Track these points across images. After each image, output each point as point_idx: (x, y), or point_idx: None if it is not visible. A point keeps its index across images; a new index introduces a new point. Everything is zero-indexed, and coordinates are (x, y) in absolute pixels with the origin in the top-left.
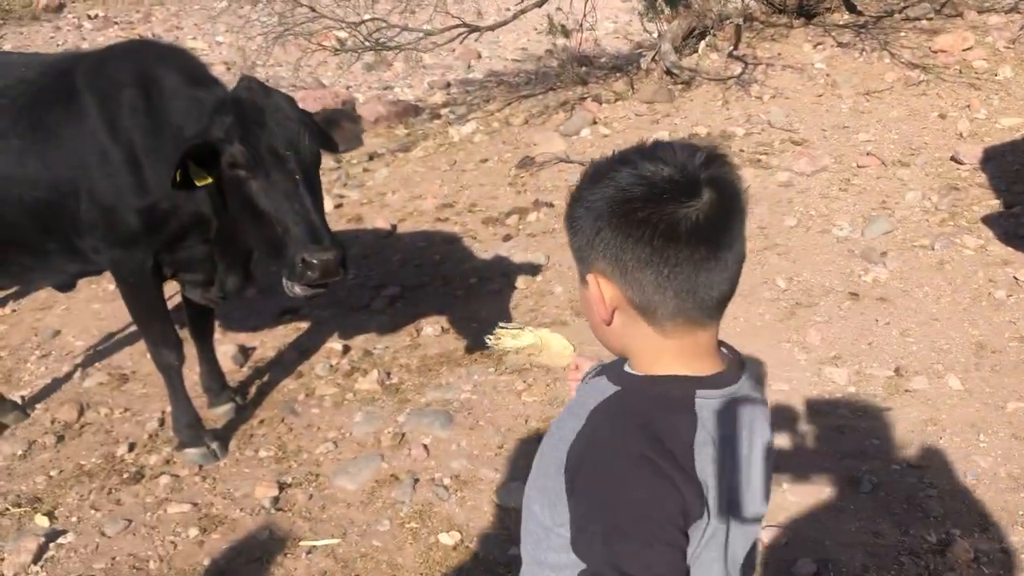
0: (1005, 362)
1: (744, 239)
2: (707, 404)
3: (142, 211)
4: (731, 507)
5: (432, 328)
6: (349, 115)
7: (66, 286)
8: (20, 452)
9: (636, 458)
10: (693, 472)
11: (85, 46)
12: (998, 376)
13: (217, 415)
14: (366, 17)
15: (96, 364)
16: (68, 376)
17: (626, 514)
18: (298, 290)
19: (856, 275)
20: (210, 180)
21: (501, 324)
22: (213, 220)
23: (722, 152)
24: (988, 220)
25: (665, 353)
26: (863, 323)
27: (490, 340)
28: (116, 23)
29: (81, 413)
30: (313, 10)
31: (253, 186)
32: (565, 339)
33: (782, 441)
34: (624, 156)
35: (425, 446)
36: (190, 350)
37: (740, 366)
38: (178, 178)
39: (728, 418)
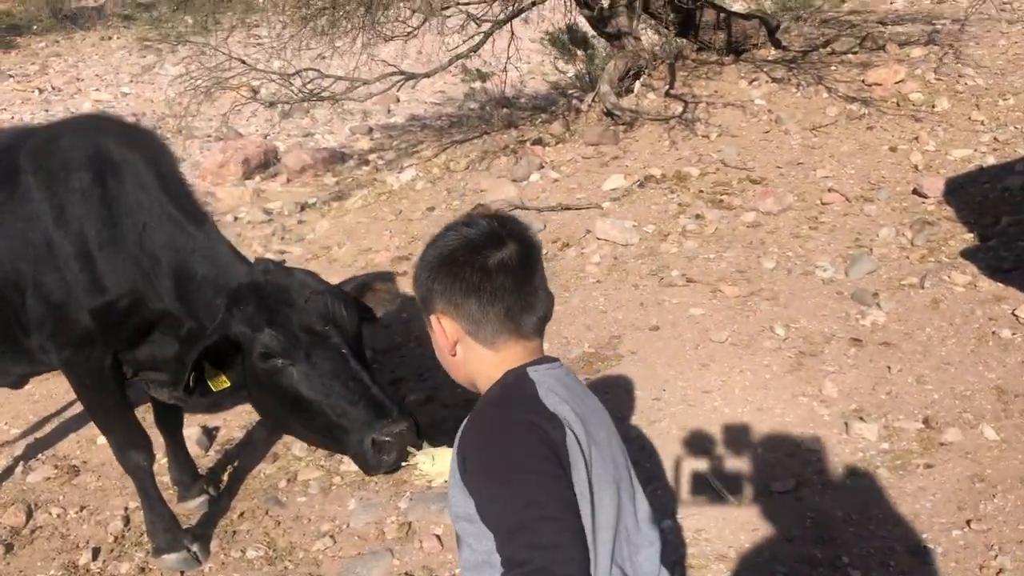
0: None
1: (543, 273)
2: (538, 372)
3: (97, 310)
4: (591, 438)
5: (416, 396)
6: (380, 276)
7: (15, 385)
8: None
9: (499, 419)
10: (547, 409)
11: None
12: None
13: (189, 509)
14: (295, 68)
15: (39, 455)
16: (8, 471)
17: (506, 461)
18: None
19: (853, 319)
20: (228, 384)
21: (410, 449)
22: (184, 319)
23: (512, 216)
24: (968, 254)
25: (499, 364)
26: (875, 371)
27: (405, 464)
28: (11, 76)
29: (29, 515)
30: (243, 62)
31: (294, 373)
32: None
33: (826, 507)
34: (448, 226)
35: (437, 536)
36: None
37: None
38: (191, 383)
39: (556, 374)
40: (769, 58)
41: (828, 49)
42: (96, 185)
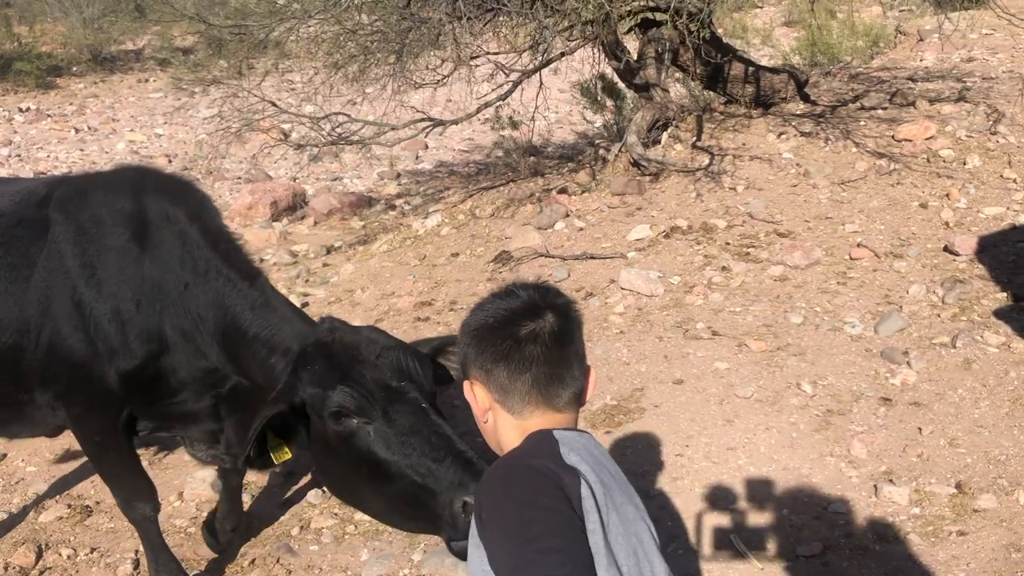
0: None
1: (582, 349)
2: (562, 434)
3: (129, 374)
4: (611, 500)
5: None
6: (452, 340)
7: (53, 435)
8: None
9: (514, 466)
10: (564, 461)
11: (16, 139)
12: None
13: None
14: (325, 112)
15: (53, 495)
16: (22, 511)
17: (516, 500)
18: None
19: (883, 377)
20: (290, 455)
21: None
22: (230, 376)
23: (556, 288)
24: (1001, 314)
25: (525, 434)
26: (906, 432)
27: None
28: (49, 116)
29: (40, 556)
30: (274, 104)
31: (371, 433)
32: None
33: (853, 574)
34: (492, 293)
35: None
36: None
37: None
38: (253, 454)
39: (582, 441)
40: (797, 112)
41: (857, 104)
42: (134, 243)
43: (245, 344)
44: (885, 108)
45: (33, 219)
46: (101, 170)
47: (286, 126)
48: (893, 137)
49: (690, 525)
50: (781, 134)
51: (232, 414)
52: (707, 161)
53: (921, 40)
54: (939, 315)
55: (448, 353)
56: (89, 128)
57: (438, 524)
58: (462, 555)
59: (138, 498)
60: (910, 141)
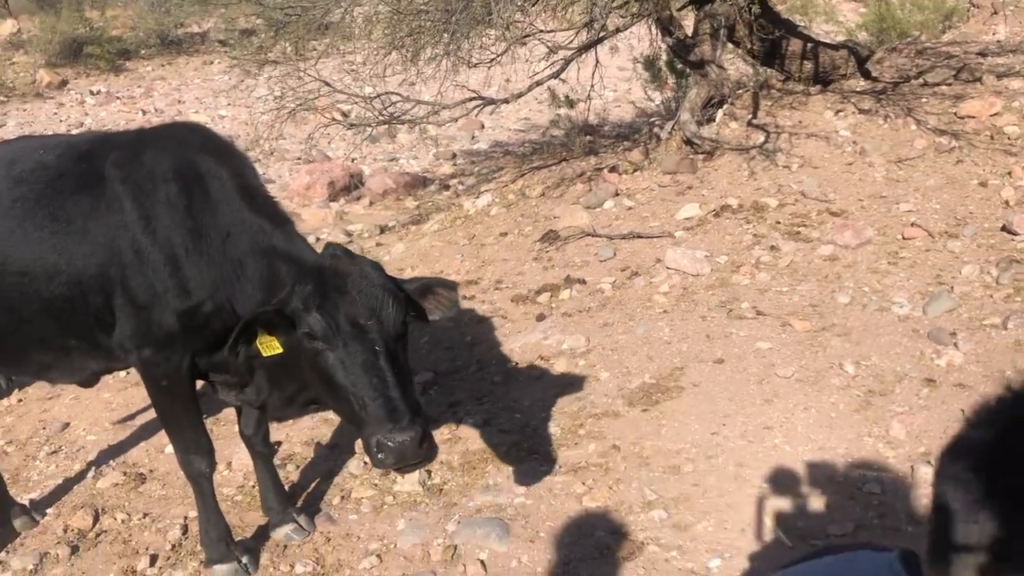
0: None
1: None
2: None
3: (183, 313)
4: None
5: (472, 419)
6: (445, 283)
7: (87, 383)
8: (31, 567)
9: None
10: None
11: (88, 121)
12: None
13: (278, 538)
14: (380, 92)
15: (110, 462)
16: (80, 475)
17: None
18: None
19: (928, 358)
20: (280, 350)
21: None
22: None
23: None
24: None
25: None
26: (948, 413)
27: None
28: (118, 98)
29: (96, 519)
30: (327, 84)
31: (330, 358)
32: None
33: None
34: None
35: (482, 562)
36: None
37: None
38: (238, 345)
39: None
40: (857, 89)
41: (920, 80)
42: (182, 196)
43: (279, 284)
44: (950, 84)
45: (76, 173)
46: (148, 127)
47: (345, 106)
48: (956, 114)
49: (722, 503)
50: (839, 111)
51: (261, 366)
52: (762, 139)
53: (995, 13)
54: (991, 296)
55: (434, 295)
56: (156, 110)
57: (363, 443)
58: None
59: (196, 452)
60: (973, 117)
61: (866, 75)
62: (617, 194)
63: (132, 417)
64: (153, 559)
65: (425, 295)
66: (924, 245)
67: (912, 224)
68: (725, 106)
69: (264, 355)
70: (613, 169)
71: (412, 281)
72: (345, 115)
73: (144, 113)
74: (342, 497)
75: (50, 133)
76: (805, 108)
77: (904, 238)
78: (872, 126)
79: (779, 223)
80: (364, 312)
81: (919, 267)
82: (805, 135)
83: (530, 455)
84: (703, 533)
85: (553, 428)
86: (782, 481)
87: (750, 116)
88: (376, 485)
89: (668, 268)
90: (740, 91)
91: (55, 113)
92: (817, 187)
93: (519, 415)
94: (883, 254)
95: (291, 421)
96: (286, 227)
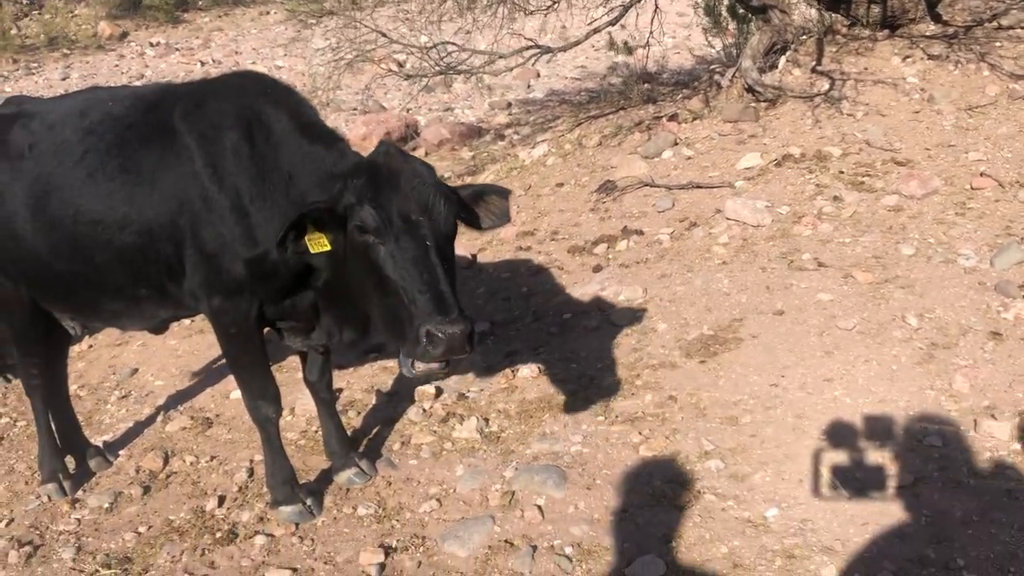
0: None
1: None
2: None
3: (250, 261)
4: None
5: (528, 369)
6: (497, 190)
7: (157, 330)
8: (107, 505)
9: None
10: None
11: (148, 72)
12: None
13: (340, 482)
14: (437, 41)
15: (178, 407)
16: (150, 419)
17: None
18: (418, 367)
19: (994, 311)
20: (328, 248)
21: None
22: (323, 270)
23: None
24: None
25: None
26: (1014, 367)
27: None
28: (177, 49)
29: (166, 461)
30: (384, 35)
31: (381, 252)
32: None
33: (944, 506)
34: None
35: (539, 507)
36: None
37: None
38: (288, 239)
39: None
40: (927, 33)
41: (995, 23)
42: (245, 143)
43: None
44: None
45: (143, 123)
46: (211, 78)
47: (400, 56)
48: None
49: (780, 454)
50: (907, 57)
51: (328, 309)
52: (826, 86)
53: None
54: None
55: (485, 202)
56: (214, 61)
57: (405, 342)
58: (410, 374)
59: (263, 398)
60: None
61: (936, 19)
62: (676, 143)
63: (202, 369)
64: (221, 500)
65: (477, 202)
66: (993, 195)
67: (981, 174)
68: (788, 52)
69: (312, 251)
70: (672, 118)
71: (465, 187)
72: (401, 65)
73: (202, 64)
74: (402, 443)
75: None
76: (871, 54)
77: (973, 188)
78: (942, 72)
79: (842, 173)
80: (416, 208)
81: (987, 218)
82: (871, 82)
83: (587, 404)
84: (760, 483)
85: (610, 379)
86: (841, 433)
87: (814, 63)
88: (435, 432)
89: (728, 219)
90: (804, 37)
91: (116, 65)
92: (883, 136)
93: (575, 365)
94: (950, 204)
95: (352, 369)
96: (339, 145)
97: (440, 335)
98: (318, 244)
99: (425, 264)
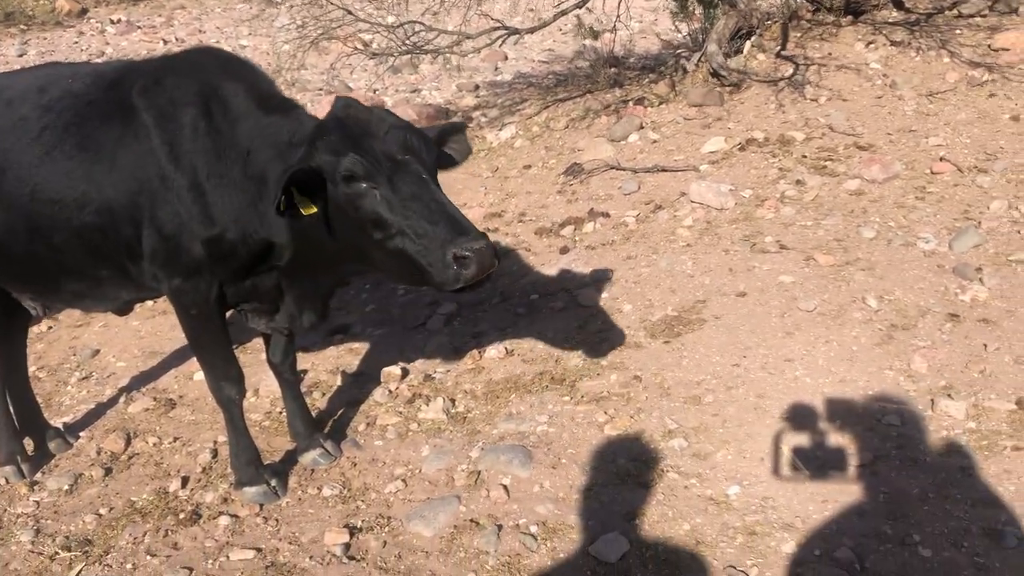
0: None
1: None
2: None
3: (208, 241)
4: None
5: (495, 350)
6: (456, 126)
7: (121, 311)
8: (66, 487)
9: None
10: None
11: (108, 51)
12: None
13: (305, 462)
14: (403, 20)
15: (141, 388)
16: (111, 401)
17: None
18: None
19: (952, 293)
20: (315, 210)
21: None
22: (286, 248)
23: None
24: None
25: None
26: (970, 348)
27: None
28: (139, 27)
29: (128, 443)
30: (349, 12)
31: (377, 196)
32: None
33: (901, 484)
34: None
35: (504, 487)
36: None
37: None
38: (282, 205)
39: None
40: (890, 20)
41: (955, 12)
42: (202, 119)
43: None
44: (985, 15)
45: (103, 101)
46: (168, 54)
47: (366, 36)
48: (990, 46)
49: (741, 433)
50: (870, 43)
51: (292, 288)
52: (790, 71)
53: None
54: (1019, 232)
55: (451, 140)
56: (177, 39)
57: (430, 278)
58: (452, 284)
59: (226, 379)
60: (1008, 50)
61: (899, 6)
62: (642, 127)
63: (164, 350)
64: (184, 481)
65: (443, 141)
66: (953, 180)
67: (941, 159)
68: (753, 37)
69: (304, 214)
70: (639, 102)
71: (429, 129)
72: (367, 45)
73: (165, 43)
74: (367, 424)
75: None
76: (835, 40)
77: (933, 173)
78: (904, 58)
79: (805, 157)
80: (398, 148)
81: (947, 202)
82: (835, 67)
83: (553, 385)
84: (722, 462)
85: (576, 359)
86: (801, 412)
87: (778, 48)
88: (401, 412)
89: (692, 202)
90: (769, 22)
91: (75, 42)
92: (845, 120)
93: (542, 346)
94: (910, 189)
95: (317, 350)
96: (296, 112)
97: (468, 254)
98: (306, 207)
99: (428, 195)
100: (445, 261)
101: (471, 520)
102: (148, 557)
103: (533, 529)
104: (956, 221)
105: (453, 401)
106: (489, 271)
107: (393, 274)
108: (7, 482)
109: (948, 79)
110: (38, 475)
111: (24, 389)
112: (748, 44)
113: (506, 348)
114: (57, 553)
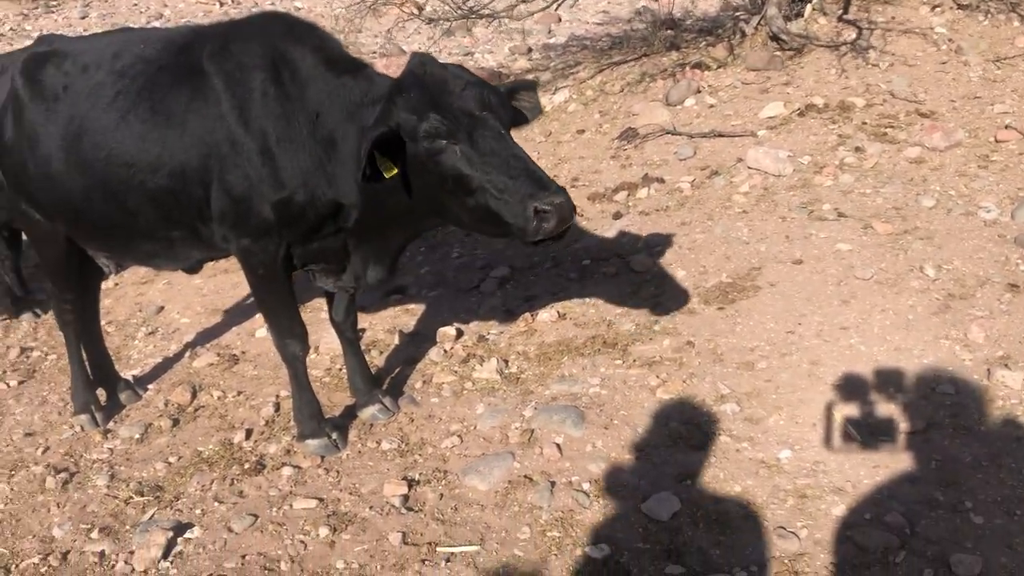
0: None
1: None
2: None
3: (277, 204)
4: None
5: (548, 314)
6: (526, 84)
7: (192, 270)
8: (137, 436)
9: None
10: None
11: (167, 12)
12: None
13: (364, 417)
14: None
15: (204, 344)
16: (177, 356)
17: None
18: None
19: (1013, 263)
20: (396, 170)
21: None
22: (355, 208)
23: None
24: None
25: None
26: None
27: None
28: None
29: (194, 395)
30: None
31: (458, 152)
32: None
33: (954, 451)
34: None
35: (558, 445)
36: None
37: None
38: (367, 171)
39: None
40: None
41: None
42: (271, 83)
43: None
44: None
45: (174, 66)
46: (237, 19)
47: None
48: None
49: (794, 399)
50: (936, 7)
51: (359, 247)
52: (853, 35)
53: None
54: None
55: (516, 100)
56: (233, 1)
57: (510, 230)
58: (533, 236)
59: (291, 336)
60: None
61: None
62: (699, 91)
63: (227, 308)
64: (248, 433)
65: (514, 98)
66: (1018, 148)
67: (1007, 126)
68: (815, 0)
69: (386, 176)
70: (696, 65)
71: (499, 86)
72: (421, 8)
73: (221, 5)
74: (424, 382)
75: (133, 26)
76: (900, 3)
77: (997, 141)
78: (971, 22)
79: (865, 123)
80: (475, 104)
81: (1010, 171)
82: (899, 31)
83: (605, 348)
84: (774, 426)
85: (628, 324)
86: (855, 380)
87: (841, 11)
88: (456, 372)
89: (749, 168)
90: None
91: (135, 4)
92: (907, 87)
93: (594, 310)
94: (973, 157)
95: (375, 310)
96: (366, 71)
97: (549, 208)
98: (388, 170)
99: (507, 150)
100: (526, 215)
101: (525, 476)
102: (216, 504)
103: (586, 486)
104: (1020, 191)
105: (506, 362)
106: (568, 224)
107: (472, 227)
108: (82, 430)
109: (1017, 44)
110: (111, 424)
111: (97, 342)
112: (809, 7)
113: (558, 312)
114: (131, 497)
